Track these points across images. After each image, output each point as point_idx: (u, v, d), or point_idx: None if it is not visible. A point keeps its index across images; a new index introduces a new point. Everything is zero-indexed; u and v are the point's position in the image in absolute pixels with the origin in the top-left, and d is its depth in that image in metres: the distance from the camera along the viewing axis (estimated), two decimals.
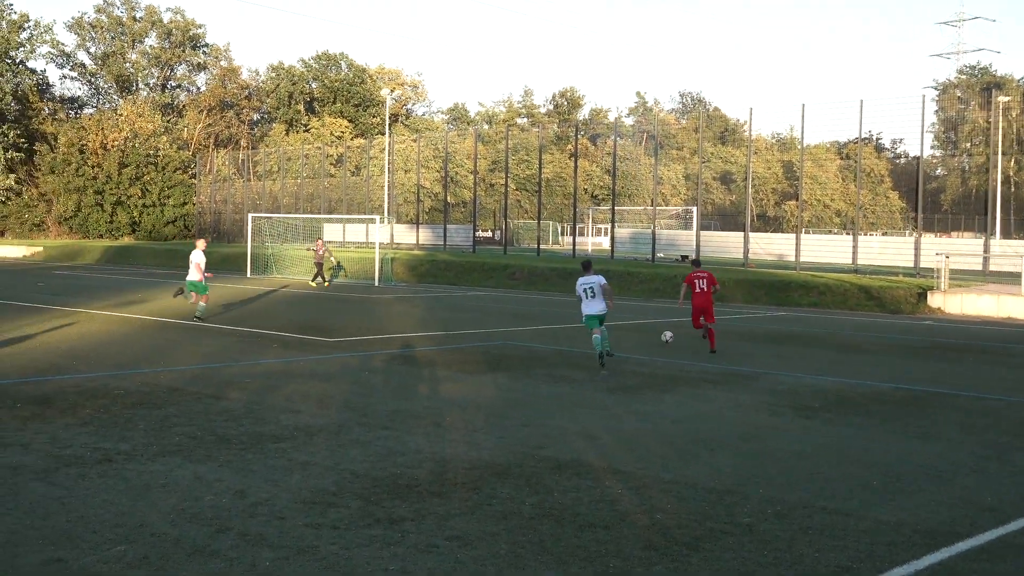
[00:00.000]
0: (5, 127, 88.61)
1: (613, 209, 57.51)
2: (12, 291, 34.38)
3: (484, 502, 8.79)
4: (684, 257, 53.11)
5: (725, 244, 52.68)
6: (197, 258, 24.56)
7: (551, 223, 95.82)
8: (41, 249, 70.66)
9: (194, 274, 24.93)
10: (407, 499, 8.81)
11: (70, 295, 33.17)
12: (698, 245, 49.20)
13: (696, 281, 21.14)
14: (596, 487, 9.36)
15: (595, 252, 65.76)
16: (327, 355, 18.96)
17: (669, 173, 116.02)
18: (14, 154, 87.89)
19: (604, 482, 9.54)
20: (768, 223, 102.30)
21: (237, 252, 55.43)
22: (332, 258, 44.13)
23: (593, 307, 18.44)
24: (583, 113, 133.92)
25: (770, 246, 51.42)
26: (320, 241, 43.17)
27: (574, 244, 59.15)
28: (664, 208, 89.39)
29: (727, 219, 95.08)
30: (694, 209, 58.75)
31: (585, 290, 18.67)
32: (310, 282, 42.05)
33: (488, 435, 11.62)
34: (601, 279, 18.80)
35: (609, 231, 64.38)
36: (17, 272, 49.21)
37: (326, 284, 41.80)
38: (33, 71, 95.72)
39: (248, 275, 47.64)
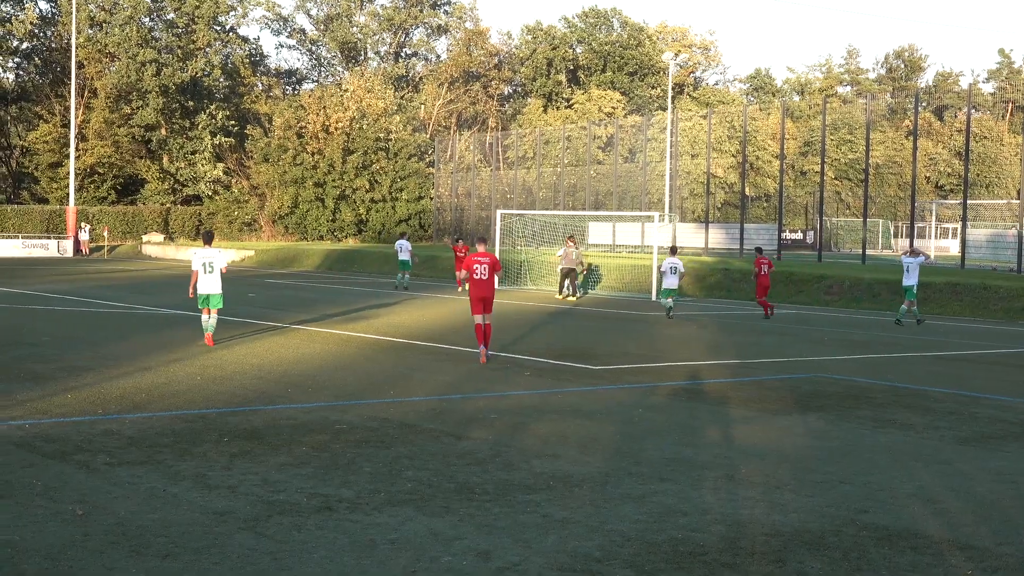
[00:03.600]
0: (213, 107, 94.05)
1: (965, 203, 55.59)
2: None
3: None
4: None
5: None
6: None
7: (880, 222, 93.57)
8: (252, 253, 74.42)
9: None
10: (691, 570, 8.80)
11: (284, 308, 34.87)
12: None
13: (762, 266, 35.34)
14: (937, 565, 9.09)
15: (940, 259, 63.78)
16: (591, 387, 19.18)
17: None
18: (223, 139, 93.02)
19: (948, 560, 9.26)
20: None
21: None
22: (583, 263, 44.43)
23: (672, 282, 33.95)
24: (925, 79, 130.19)
25: None
26: (571, 240, 43.48)
27: (911, 249, 57.32)
28: None
29: None
30: None
31: (671, 268, 33.83)
32: (557, 295, 42.65)
33: (795, 493, 11.47)
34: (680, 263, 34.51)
35: (959, 232, 62.19)
36: (225, 280, 51.98)
37: (574, 297, 42.26)
38: (245, 39, 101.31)
39: (495, 286, 48.71)
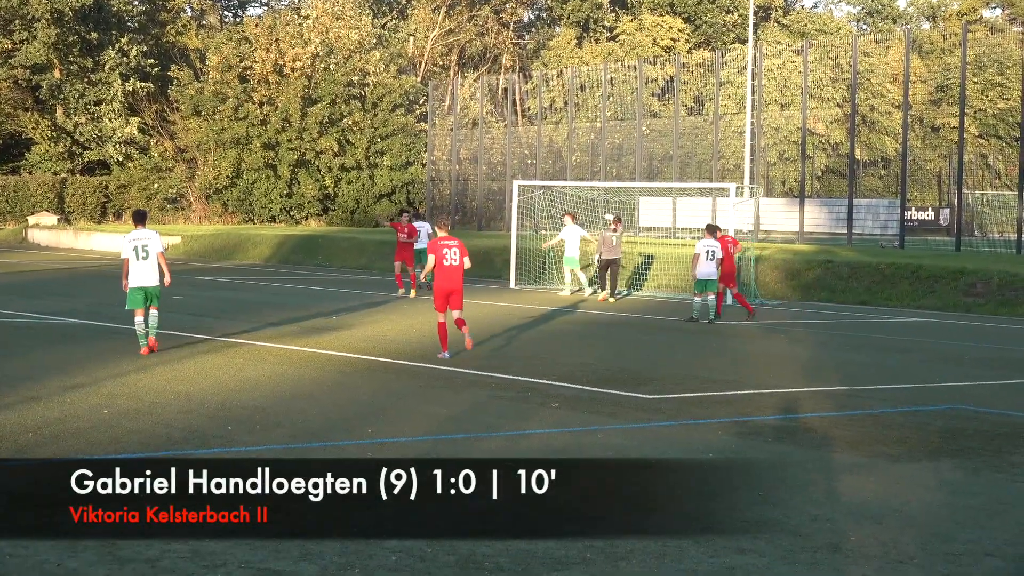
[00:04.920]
0: (124, 40, 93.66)
1: None
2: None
3: None
4: None
5: None
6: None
7: None
8: (178, 240, 74.36)
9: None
10: None
11: (222, 315, 34.87)
12: None
13: (727, 246, 36.89)
14: None
15: None
16: (641, 423, 19.18)
17: None
18: (138, 85, 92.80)
19: None
20: None
21: (494, 246, 56.62)
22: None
23: (708, 271, 34.80)
24: None
25: None
26: (617, 223, 43.49)
27: None
28: None
29: None
30: None
31: (708, 252, 34.72)
32: (598, 297, 42.69)
33: (924, 570, 11.47)
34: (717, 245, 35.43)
35: None
36: None
37: (613, 297, 42.33)
38: None
39: (512, 285, 48.67)
